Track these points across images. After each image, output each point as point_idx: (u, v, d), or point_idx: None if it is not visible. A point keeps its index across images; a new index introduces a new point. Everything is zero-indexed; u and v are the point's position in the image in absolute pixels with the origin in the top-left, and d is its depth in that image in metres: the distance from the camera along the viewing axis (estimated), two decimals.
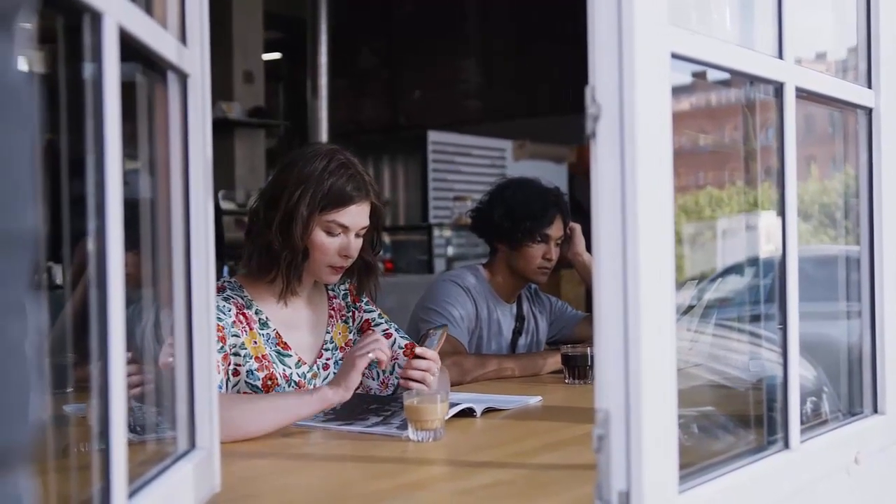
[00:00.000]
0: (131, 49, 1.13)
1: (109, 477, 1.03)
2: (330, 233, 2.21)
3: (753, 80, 1.58)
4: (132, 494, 1.12)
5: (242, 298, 2.25)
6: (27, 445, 0.62)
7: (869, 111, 1.83)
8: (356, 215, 2.23)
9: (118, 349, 1.04)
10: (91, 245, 1.03)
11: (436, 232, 7.65)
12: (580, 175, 8.43)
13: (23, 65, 0.62)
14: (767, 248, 1.99)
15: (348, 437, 1.98)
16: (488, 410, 2.21)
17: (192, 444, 1.40)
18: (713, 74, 1.55)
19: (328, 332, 2.38)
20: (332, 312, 2.41)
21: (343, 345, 2.39)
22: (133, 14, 1.11)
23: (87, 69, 1.03)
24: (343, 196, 2.20)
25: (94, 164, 1.03)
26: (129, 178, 1.12)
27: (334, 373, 2.32)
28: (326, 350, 2.36)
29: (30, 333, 0.62)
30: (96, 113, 1.03)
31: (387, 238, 7.86)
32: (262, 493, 1.61)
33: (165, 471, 1.28)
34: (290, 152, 2.33)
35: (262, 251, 2.23)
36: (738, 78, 1.62)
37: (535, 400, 2.38)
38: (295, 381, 2.26)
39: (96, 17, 1.01)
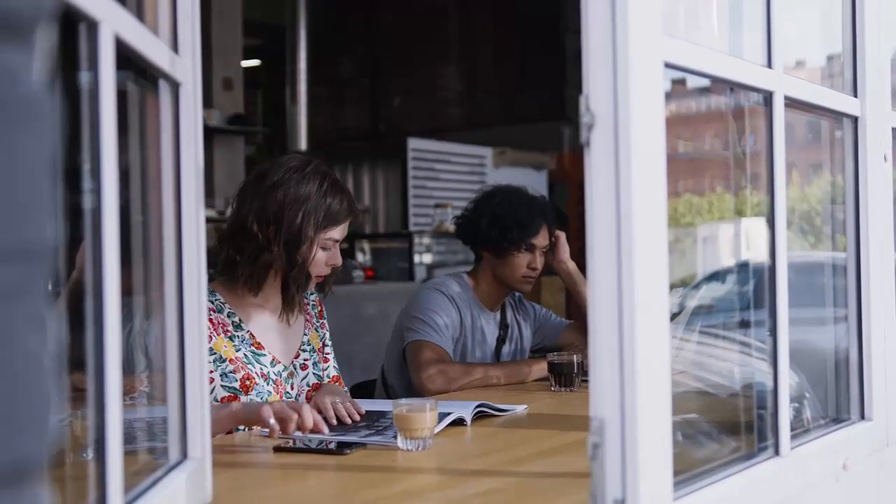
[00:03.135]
0: (124, 57, 1.12)
1: (105, 487, 1.02)
2: (324, 248, 2.33)
3: (744, 88, 1.59)
4: None
5: (213, 302, 2.29)
6: (47, 457, 0.61)
7: (855, 119, 1.85)
8: (345, 229, 2.37)
9: (114, 359, 1.03)
10: (87, 253, 1.02)
11: (416, 239, 7.63)
12: (560, 182, 8.46)
13: (42, 75, 0.62)
14: (749, 255, 2.00)
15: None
16: (479, 415, 2.22)
17: (184, 455, 1.39)
18: (692, 81, 1.56)
19: (305, 335, 2.46)
20: (308, 317, 2.49)
21: (317, 349, 2.48)
22: (128, 23, 1.10)
23: (83, 77, 1.03)
24: (340, 215, 2.33)
25: (91, 172, 1.02)
26: (119, 187, 1.11)
27: (314, 373, 2.43)
28: (304, 351, 2.44)
29: (48, 346, 0.61)
30: (92, 121, 1.02)
31: (367, 245, 7.84)
32: (253, 503, 1.60)
33: (158, 481, 1.27)
34: (269, 167, 2.34)
35: (262, 269, 2.28)
36: (718, 85, 1.63)
37: (521, 408, 2.39)
38: (272, 380, 2.32)
39: (93, 26, 1.00)
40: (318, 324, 2.52)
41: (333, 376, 2.49)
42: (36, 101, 0.60)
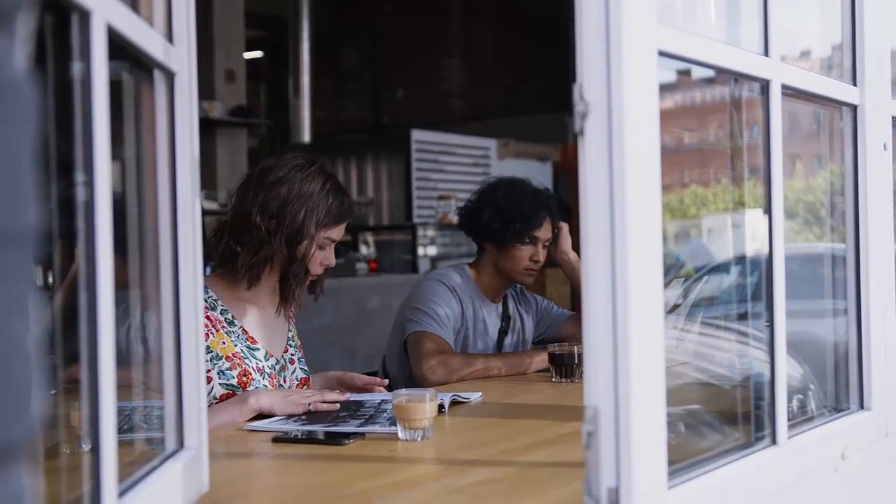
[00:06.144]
0: (118, 47, 1.12)
1: (99, 477, 1.02)
2: (321, 247, 2.36)
3: (740, 77, 1.59)
4: (122, 494, 1.11)
5: (206, 300, 2.31)
6: (29, 442, 0.62)
7: (854, 108, 1.84)
8: (343, 230, 2.41)
9: (107, 349, 1.03)
10: (80, 246, 1.02)
11: (420, 231, 7.63)
12: (564, 174, 8.45)
13: (23, 62, 0.62)
14: (753, 247, 2.00)
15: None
16: (454, 403, 2.27)
17: (181, 444, 1.39)
18: (697, 72, 1.56)
19: (290, 331, 2.51)
20: (292, 314, 2.53)
21: (298, 346, 2.54)
22: (121, 12, 1.10)
23: (75, 67, 1.03)
24: (342, 215, 2.38)
25: (83, 164, 1.02)
26: (113, 179, 1.11)
27: (300, 368, 2.48)
28: (291, 346, 2.49)
29: (31, 330, 0.62)
30: (84, 112, 1.02)
31: (370, 238, 7.85)
32: (251, 492, 1.60)
33: (154, 470, 1.27)
34: (272, 163, 2.38)
35: (262, 262, 2.32)
36: (723, 76, 1.63)
37: (475, 396, 2.41)
38: (267, 374, 2.35)
39: (84, 16, 1.00)
40: (295, 322, 2.58)
41: (302, 378, 2.50)
42: (17, 88, 0.60)
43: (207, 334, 2.25)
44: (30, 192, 0.61)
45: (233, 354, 2.29)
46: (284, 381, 2.40)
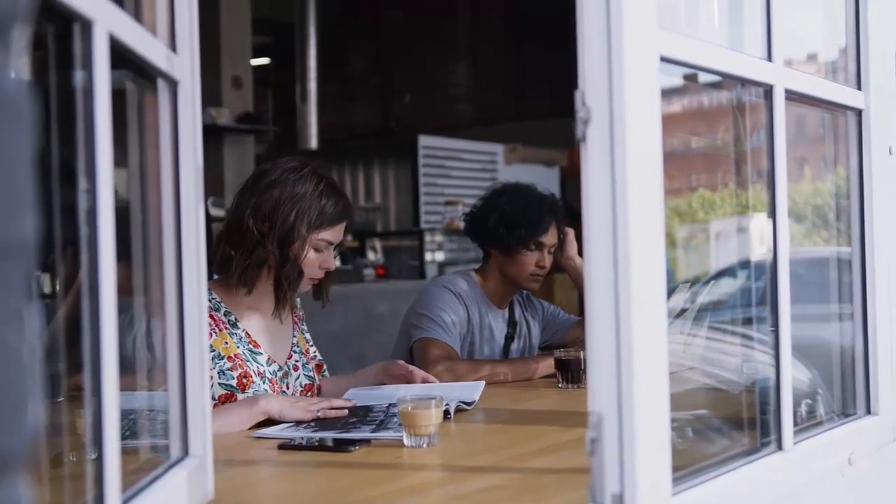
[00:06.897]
0: (121, 56, 1.13)
1: (103, 484, 1.02)
2: (317, 249, 2.36)
3: (743, 82, 1.59)
4: (126, 502, 1.11)
5: (210, 302, 2.31)
6: (26, 452, 0.62)
7: (859, 112, 1.84)
8: (341, 232, 2.40)
9: (110, 357, 1.03)
10: (83, 254, 1.02)
11: (427, 237, 7.62)
12: (572, 179, 8.44)
13: (20, 73, 0.62)
14: (760, 251, 2.00)
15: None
16: (459, 410, 2.26)
17: (186, 452, 1.39)
18: (704, 77, 1.56)
19: (294, 337, 2.50)
20: (296, 320, 2.54)
21: (304, 351, 2.52)
22: (123, 21, 1.11)
23: (78, 77, 1.03)
24: (336, 217, 2.36)
25: (85, 172, 1.02)
26: (117, 186, 1.11)
27: (304, 374, 2.47)
28: (295, 352, 2.48)
29: (28, 340, 0.62)
30: (87, 120, 1.02)
31: (378, 243, 7.85)
32: (256, 500, 1.60)
33: (159, 478, 1.27)
34: (268, 167, 2.39)
35: (255, 265, 2.31)
36: (729, 80, 1.62)
37: (479, 385, 2.45)
38: (268, 378, 2.35)
39: (87, 25, 1.01)
40: (303, 327, 2.57)
41: (306, 385, 2.50)
42: (13, 99, 0.60)
43: (210, 333, 2.25)
44: (27, 203, 0.61)
45: (234, 355, 2.29)
46: (287, 388, 2.40)
